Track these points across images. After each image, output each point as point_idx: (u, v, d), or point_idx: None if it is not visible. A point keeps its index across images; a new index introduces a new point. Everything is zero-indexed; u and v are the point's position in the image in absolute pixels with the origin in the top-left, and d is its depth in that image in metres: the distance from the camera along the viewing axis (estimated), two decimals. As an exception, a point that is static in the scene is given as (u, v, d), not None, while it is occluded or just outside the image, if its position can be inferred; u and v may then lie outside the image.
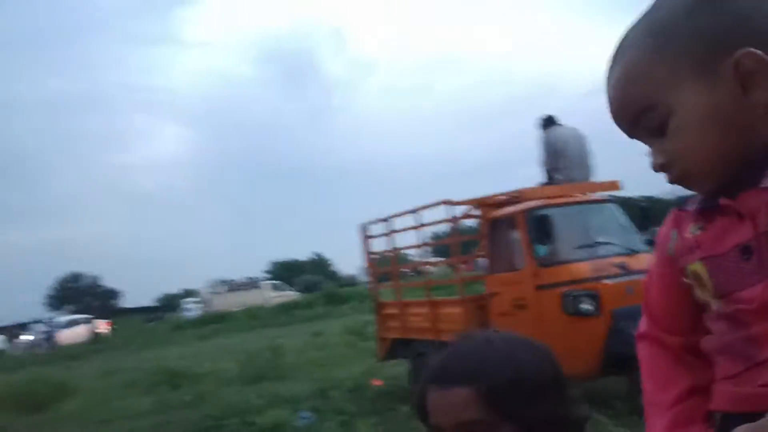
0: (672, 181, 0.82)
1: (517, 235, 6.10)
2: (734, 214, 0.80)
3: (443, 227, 7.61)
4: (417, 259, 8.91)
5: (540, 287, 5.73)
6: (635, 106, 0.80)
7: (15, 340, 30.13)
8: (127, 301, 65.66)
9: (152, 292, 69.74)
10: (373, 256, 8.56)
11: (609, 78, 0.83)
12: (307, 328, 17.92)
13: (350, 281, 43.39)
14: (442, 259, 9.76)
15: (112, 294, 68.62)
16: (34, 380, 11.75)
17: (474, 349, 0.86)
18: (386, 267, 8.63)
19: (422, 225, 7.35)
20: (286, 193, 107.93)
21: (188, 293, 50.04)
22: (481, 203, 6.76)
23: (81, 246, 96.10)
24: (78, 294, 67.46)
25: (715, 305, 0.83)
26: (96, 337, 28.21)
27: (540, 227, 5.80)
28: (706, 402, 0.87)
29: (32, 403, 10.06)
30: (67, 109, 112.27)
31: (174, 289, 61.79)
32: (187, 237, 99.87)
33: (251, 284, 38.60)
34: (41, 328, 31.24)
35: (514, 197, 6.49)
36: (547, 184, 6.85)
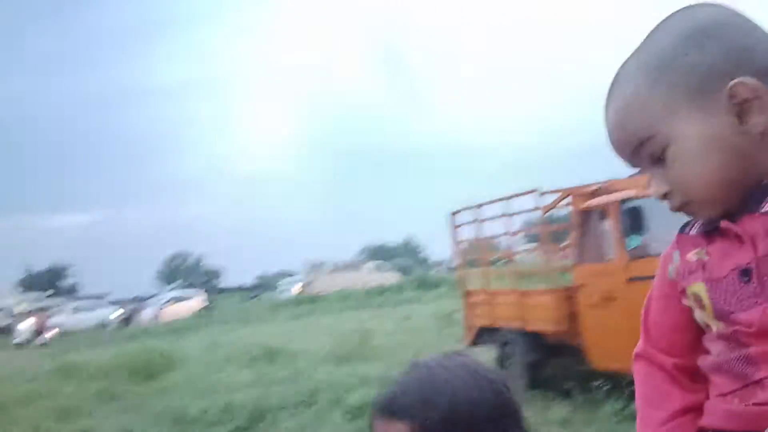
0: (675, 209, 0.85)
1: (609, 226, 6.00)
2: (734, 238, 0.81)
3: (536, 215, 7.56)
4: (506, 247, 8.91)
5: (631, 279, 5.63)
6: (634, 138, 0.83)
7: (128, 313, 32.26)
8: (228, 280, 68.94)
9: (251, 271, 72.82)
10: (461, 243, 8.63)
11: (607, 111, 0.86)
12: (397, 312, 18.22)
13: (441, 266, 43.50)
14: (532, 247, 9.69)
15: (215, 272, 72.21)
16: (145, 351, 12.67)
17: (415, 383, 0.91)
18: (475, 254, 8.69)
19: (511, 214, 7.35)
20: (381, 176, 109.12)
21: (285, 274, 51.89)
22: (573, 193, 6.68)
23: (189, 225, 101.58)
24: (184, 271, 71.48)
25: (714, 326, 0.85)
26: (199, 313, 29.87)
27: (633, 218, 5.69)
28: (697, 421, 0.88)
29: (143, 373, 10.85)
30: (178, 96, 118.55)
31: (271, 269, 64.27)
32: (284, 219, 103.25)
33: (354, 265, 39.50)
34: (151, 302, 33.52)
35: (607, 187, 6.37)
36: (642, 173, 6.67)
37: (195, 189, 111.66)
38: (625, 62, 0.86)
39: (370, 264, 40.31)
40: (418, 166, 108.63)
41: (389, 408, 0.90)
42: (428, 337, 12.02)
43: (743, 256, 0.80)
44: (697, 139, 0.79)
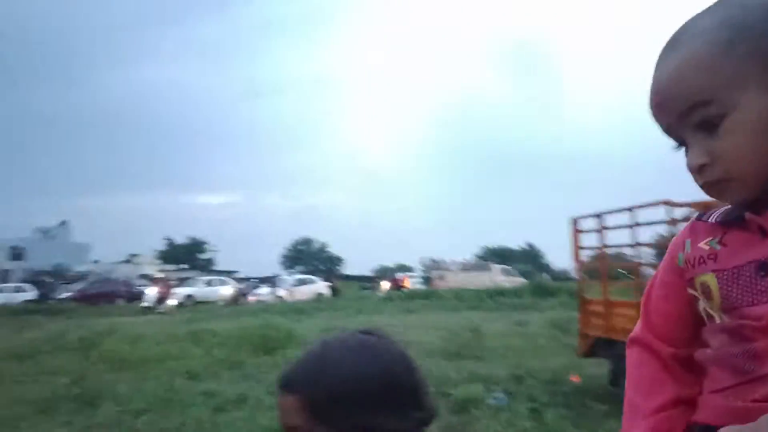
0: (706, 183, 0.79)
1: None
2: (757, 231, 0.78)
3: (663, 228, 7.23)
4: (629, 258, 8.59)
5: None
6: (691, 98, 0.77)
7: (249, 291, 34.17)
8: (348, 268, 70.85)
9: (370, 262, 74.47)
10: (582, 250, 8.42)
11: (664, 65, 0.79)
12: (512, 316, 17.97)
13: (562, 275, 42.28)
14: (657, 261, 9.26)
15: (336, 260, 74.49)
16: (267, 327, 13.43)
17: (309, 359, 0.96)
18: (595, 263, 8.44)
19: (637, 224, 7.09)
20: (503, 180, 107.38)
21: (404, 268, 52.63)
22: (707, 206, 6.31)
23: (316, 214, 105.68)
24: (307, 257, 74.45)
25: (718, 319, 0.81)
26: (319, 297, 31.05)
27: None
28: (688, 414, 0.84)
29: (264, 346, 11.56)
30: (313, 91, 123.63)
31: (389, 262, 65.33)
32: (406, 215, 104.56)
33: (482, 266, 39.30)
34: (275, 282, 35.37)
35: (745, 204, 5.99)
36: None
37: (324, 180, 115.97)
38: (693, 18, 0.80)
39: (497, 267, 39.91)
40: (542, 171, 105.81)
41: (285, 381, 0.96)
42: (541, 343, 11.83)
43: (763, 250, 0.77)
44: (760, 115, 0.74)
